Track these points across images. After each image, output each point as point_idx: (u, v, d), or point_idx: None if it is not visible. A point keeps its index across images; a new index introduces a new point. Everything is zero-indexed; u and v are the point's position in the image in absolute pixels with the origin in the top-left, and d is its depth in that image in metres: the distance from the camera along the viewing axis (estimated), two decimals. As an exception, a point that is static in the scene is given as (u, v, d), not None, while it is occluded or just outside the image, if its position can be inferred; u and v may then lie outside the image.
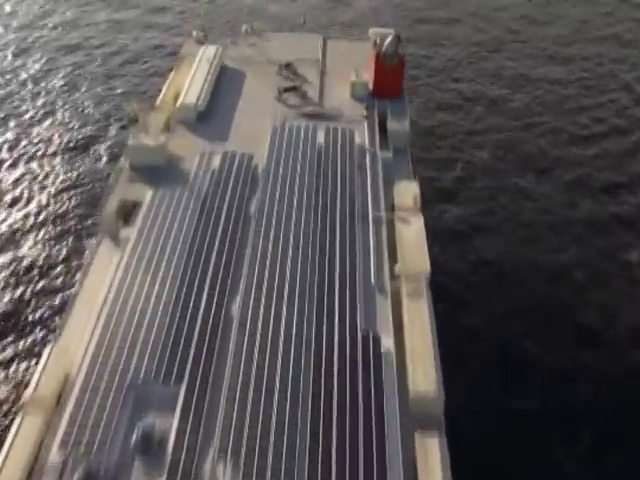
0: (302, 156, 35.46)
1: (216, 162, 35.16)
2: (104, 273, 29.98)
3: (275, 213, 32.47)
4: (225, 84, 43.15)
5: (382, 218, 32.14)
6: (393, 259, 30.59)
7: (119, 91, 64.63)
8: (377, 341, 26.76)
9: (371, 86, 41.53)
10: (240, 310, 28.04)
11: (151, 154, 34.75)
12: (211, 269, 29.96)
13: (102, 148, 57.62)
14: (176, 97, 40.55)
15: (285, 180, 34.25)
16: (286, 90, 40.80)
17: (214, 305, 28.55)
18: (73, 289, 31.02)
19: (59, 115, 60.52)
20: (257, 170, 35.06)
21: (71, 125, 59.86)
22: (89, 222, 49.32)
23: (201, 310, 28.06)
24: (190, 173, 34.66)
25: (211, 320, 27.70)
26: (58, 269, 45.78)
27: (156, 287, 28.88)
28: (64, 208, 50.94)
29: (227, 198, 33.40)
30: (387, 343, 26.83)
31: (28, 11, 78.50)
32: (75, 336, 27.17)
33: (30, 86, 64.50)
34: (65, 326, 27.81)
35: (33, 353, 40.27)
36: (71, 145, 57.68)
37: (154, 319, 27.40)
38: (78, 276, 32.09)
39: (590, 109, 64.39)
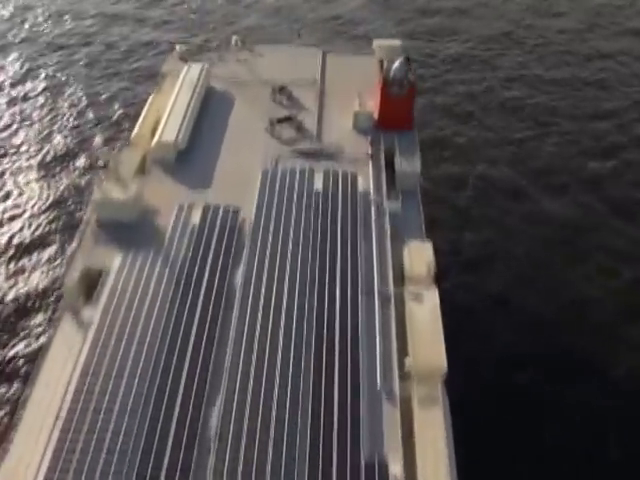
0: (297, 209, 29.32)
1: (196, 217, 29.02)
2: (62, 367, 24.42)
3: (264, 285, 26.58)
4: (210, 112, 36.61)
5: (390, 294, 26.44)
6: (403, 347, 25.15)
7: (105, 96, 57.86)
8: (383, 468, 21.60)
9: (376, 115, 35.07)
10: (221, 419, 22.86)
11: (120, 210, 28.74)
12: (187, 361, 24.40)
13: (85, 162, 51.66)
14: (154, 129, 34.15)
15: (276, 241, 28.14)
16: (279, 121, 34.24)
17: (190, 409, 23.23)
18: (25, 389, 25.23)
19: (37, 124, 53.73)
20: (244, 228, 29.05)
21: (51, 135, 53.15)
22: (68, 251, 44.01)
23: (174, 423, 22.74)
24: (166, 232, 28.56)
25: (186, 434, 22.49)
26: (34, 306, 40.68)
27: (122, 388, 23.45)
28: (41, 232, 45.27)
29: (208, 265, 27.38)
30: (395, 470, 21.65)
31: (8, 3, 70.57)
32: (26, 454, 21.85)
33: (7, 89, 57.56)
34: (14, 441, 22.45)
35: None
36: (50, 158, 51.18)
37: (117, 437, 22.12)
38: (33, 367, 26.50)
39: (611, 114, 57.52)
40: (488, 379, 36.21)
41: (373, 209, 29.59)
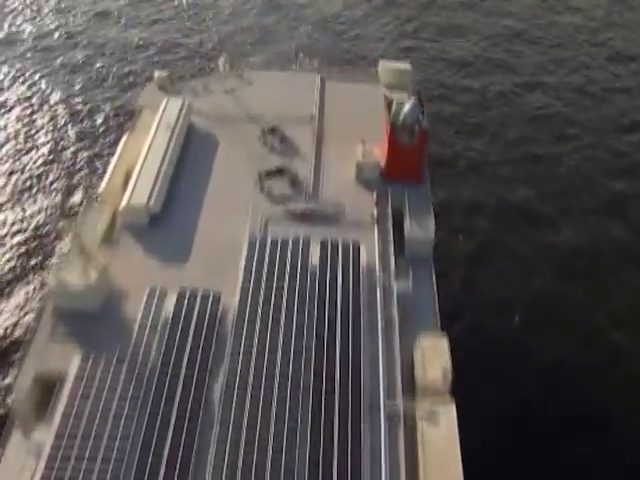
0: (289, 292, 23.84)
1: (170, 304, 23.68)
2: None
3: (249, 395, 21.53)
4: (190, 160, 30.73)
5: (399, 410, 21.43)
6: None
7: (90, 105, 51.62)
8: None
9: (382, 163, 29.29)
10: None
11: (81, 298, 23.51)
12: None
13: (65, 183, 45.79)
14: (127, 179, 28.65)
15: (264, 336, 22.81)
16: (269, 174, 28.61)
17: None
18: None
19: (11, 142, 47.48)
20: (226, 318, 23.66)
21: (28, 152, 47.08)
22: (43, 289, 38.77)
23: None
24: (135, 323, 23.30)
25: None
26: (5, 353, 35.85)
27: None
28: (14, 265, 39.48)
29: (184, 367, 22.30)
30: None
31: (-14, 1, 64.27)
32: None
33: (-21, 100, 52.28)
34: None
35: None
36: (26, 178, 44.98)
37: None
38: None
39: (636, 126, 50.72)
40: (504, 435, 31.90)
41: (379, 291, 24.27)
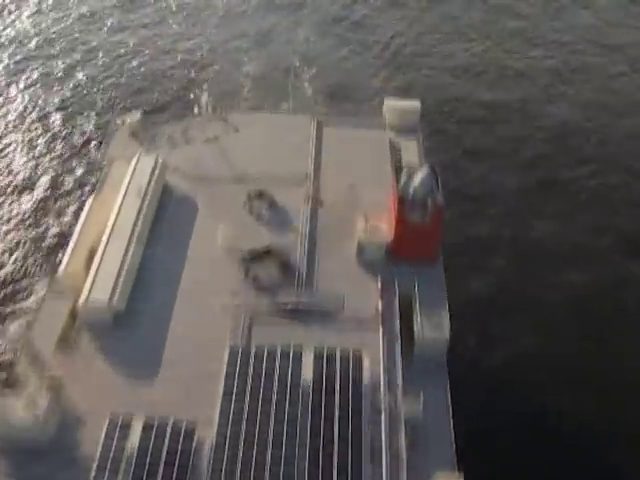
0: (276, 420, 19.45)
1: (135, 438, 19.16)
2: None
3: None
4: (163, 235, 25.85)
5: None
6: None
7: (70, 123, 46.40)
8: None
9: (389, 239, 24.27)
10: None
11: (28, 431, 19.11)
12: None
13: (38, 215, 40.88)
14: (91, 256, 23.89)
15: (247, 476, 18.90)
16: (255, 257, 23.72)
17: None
18: None
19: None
20: (201, 453, 19.13)
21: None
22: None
23: None
24: (92, 463, 18.76)
25: None
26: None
27: None
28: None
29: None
30: None
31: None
32: None
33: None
34: None
35: None
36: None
37: None
38: None
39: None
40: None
41: (384, 417, 19.76)
